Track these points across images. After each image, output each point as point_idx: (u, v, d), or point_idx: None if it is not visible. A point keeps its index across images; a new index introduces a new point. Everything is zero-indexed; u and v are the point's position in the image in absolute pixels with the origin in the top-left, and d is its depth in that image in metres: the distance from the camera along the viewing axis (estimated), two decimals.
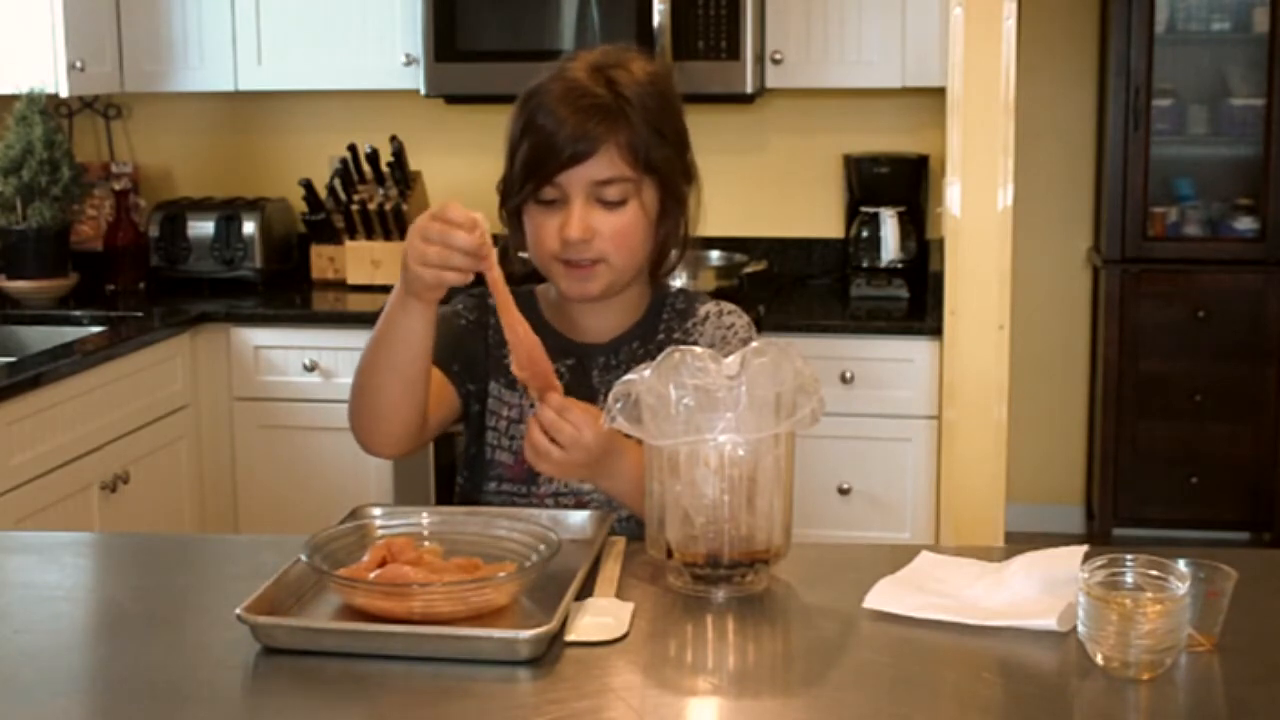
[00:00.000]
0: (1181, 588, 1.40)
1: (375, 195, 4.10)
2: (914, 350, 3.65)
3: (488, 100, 3.88)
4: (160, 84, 4.14)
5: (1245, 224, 4.75)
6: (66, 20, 3.85)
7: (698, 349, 1.62)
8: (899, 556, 1.71)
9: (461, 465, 2.03)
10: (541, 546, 1.61)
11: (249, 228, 4.14)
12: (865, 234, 4.03)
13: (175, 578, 1.77)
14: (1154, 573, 1.43)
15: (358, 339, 3.68)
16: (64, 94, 3.93)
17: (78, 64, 3.89)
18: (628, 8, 3.77)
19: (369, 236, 4.10)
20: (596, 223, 1.85)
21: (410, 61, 3.96)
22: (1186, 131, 4.81)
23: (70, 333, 3.69)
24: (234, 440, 3.86)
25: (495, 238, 1.87)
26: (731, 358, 1.61)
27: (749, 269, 3.98)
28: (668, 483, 1.62)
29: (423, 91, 3.95)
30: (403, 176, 4.10)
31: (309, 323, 3.85)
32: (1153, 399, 4.75)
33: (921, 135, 4.12)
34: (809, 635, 1.57)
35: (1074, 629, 1.46)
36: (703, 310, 2.00)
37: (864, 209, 4.06)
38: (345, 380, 3.96)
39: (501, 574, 1.55)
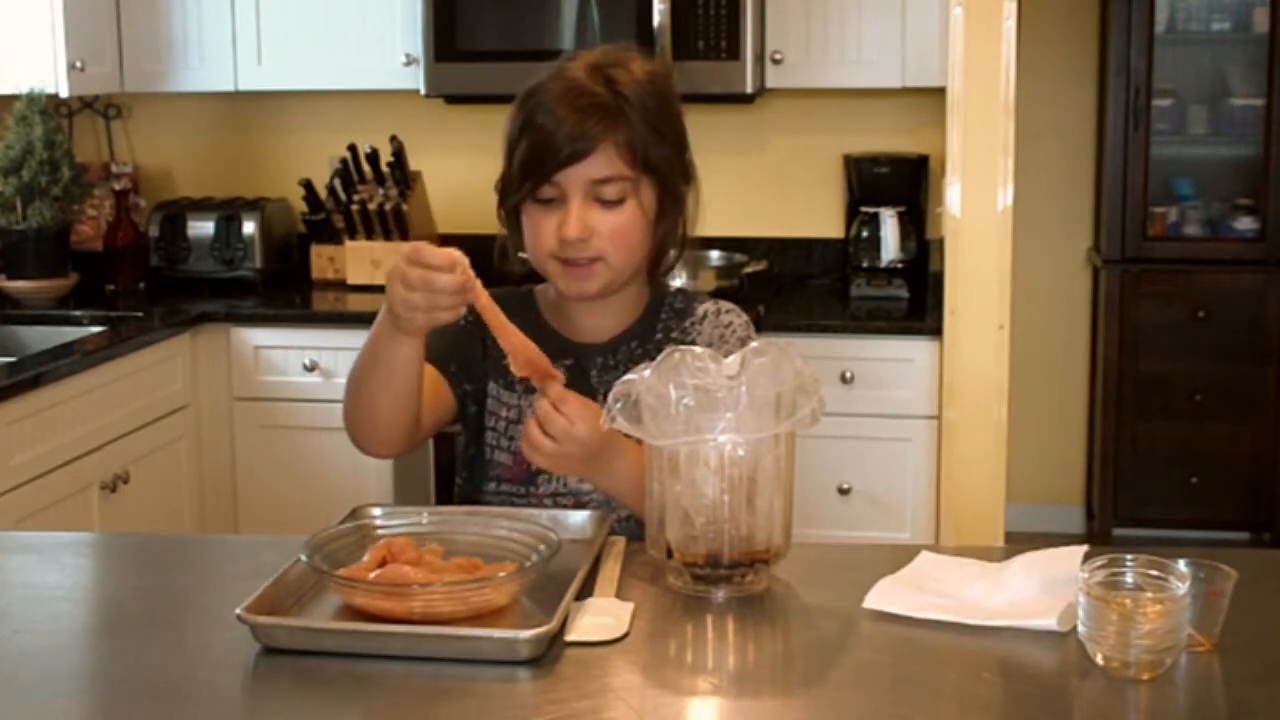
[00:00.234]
0: (1181, 588, 1.40)
1: (375, 195, 4.10)
2: (914, 350, 3.65)
3: (488, 100, 3.87)
4: (160, 84, 4.14)
5: (1245, 224, 4.75)
6: (66, 20, 3.85)
7: (698, 349, 1.62)
8: (899, 556, 1.71)
9: (460, 466, 2.03)
10: (541, 546, 1.61)
11: (249, 228, 4.14)
12: (865, 234, 4.03)
13: (175, 578, 1.77)
14: (1154, 573, 1.43)
15: (358, 339, 3.66)
16: (64, 94, 3.93)
17: (78, 64, 3.89)
18: (628, 8, 3.77)
19: (369, 236, 4.10)
20: (594, 222, 1.85)
21: (410, 61, 3.96)
22: (1186, 131, 4.81)
23: (70, 333, 3.69)
24: (234, 440, 3.86)
25: (492, 238, 1.87)
26: (731, 358, 1.61)
27: (749, 269, 3.98)
28: (668, 483, 1.62)
29: (423, 91, 3.95)
30: (403, 176, 4.10)
31: (309, 323, 3.85)
32: (1153, 399, 4.75)
33: (921, 135, 4.12)
34: (809, 635, 1.57)
35: (1074, 629, 1.46)
36: (701, 309, 2.00)
37: (864, 209, 4.06)
38: (344, 380, 3.97)
39: (501, 574, 1.55)
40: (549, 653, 1.46)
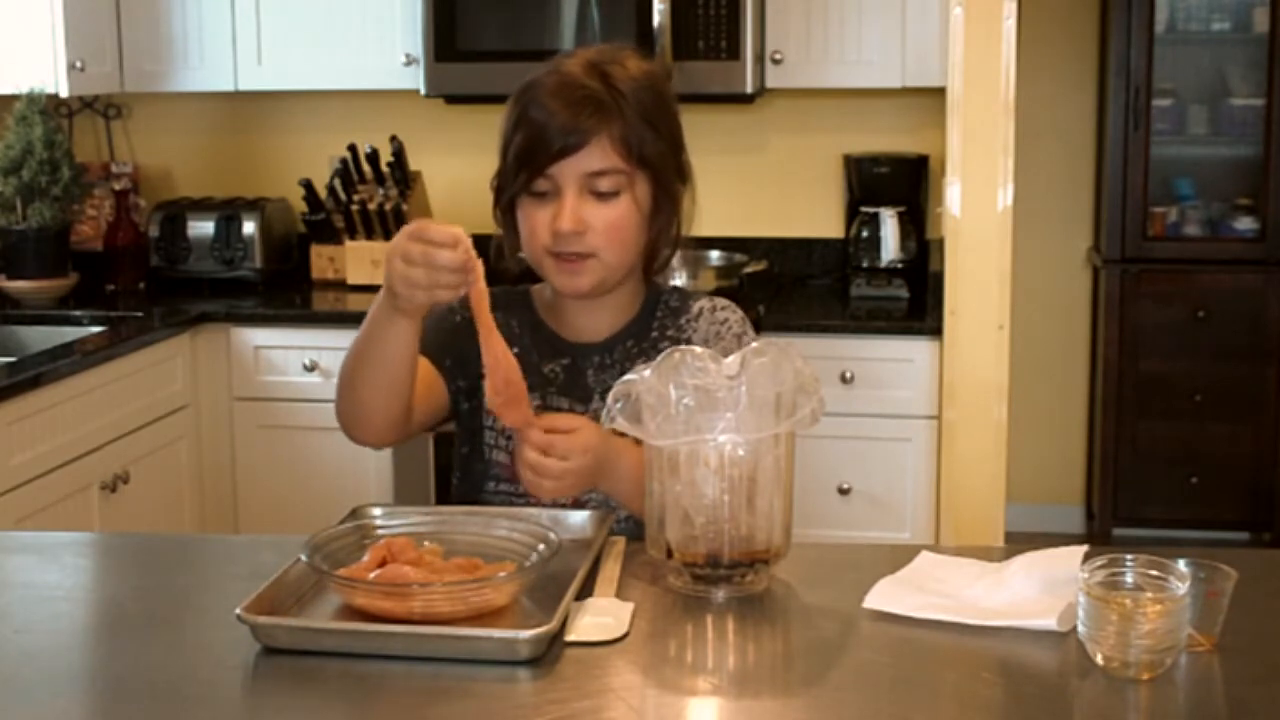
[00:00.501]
0: (1181, 588, 1.40)
1: (375, 195, 4.10)
2: (914, 350, 3.65)
3: (488, 100, 3.86)
4: (160, 84, 4.14)
5: (1245, 224, 4.75)
6: (66, 20, 3.85)
7: (698, 349, 1.62)
8: (899, 556, 1.71)
9: (455, 465, 2.02)
10: (541, 546, 1.61)
11: (249, 228, 4.14)
12: (865, 234, 4.03)
13: (175, 578, 1.77)
14: (1154, 573, 1.43)
15: None
16: (64, 94, 3.93)
17: (78, 64, 3.89)
18: (628, 8, 3.77)
19: (369, 236, 4.10)
20: (588, 215, 1.85)
21: (410, 61, 3.96)
22: (1186, 131, 4.81)
23: (70, 333, 3.69)
24: (234, 440, 3.86)
25: (489, 238, 1.87)
26: (731, 358, 1.61)
27: (749, 269, 3.98)
28: (668, 483, 1.62)
29: (423, 91, 3.95)
30: (403, 176, 4.10)
31: (309, 323, 3.85)
32: (1153, 399, 4.75)
33: (921, 135, 4.12)
34: (809, 635, 1.57)
35: (1074, 629, 1.46)
36: (696, 306, 2.00)
37: (864, 209, 4.06)
38: None
39: (501, 574, 1.55)
40: (549, 653, 1.46)
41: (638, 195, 1.88)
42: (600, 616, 1.54)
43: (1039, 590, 1.56)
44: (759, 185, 4.28)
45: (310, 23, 4.03)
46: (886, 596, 1.59)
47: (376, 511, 1.75)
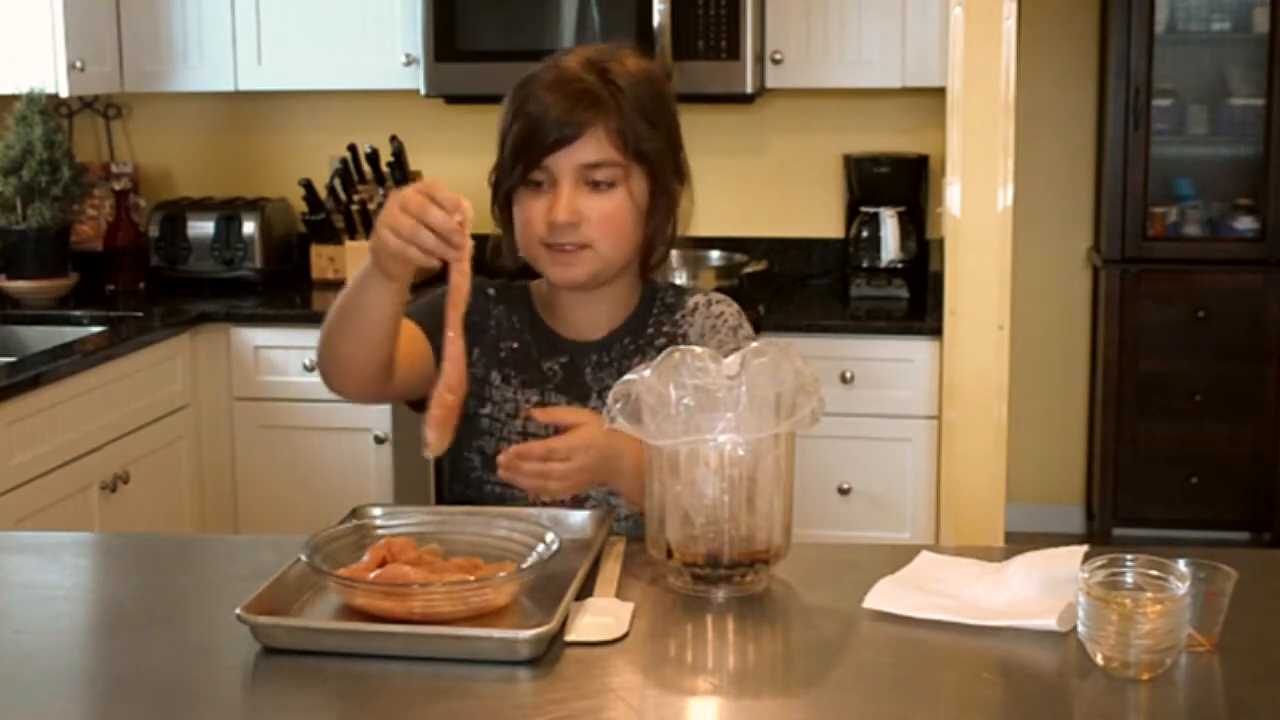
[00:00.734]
0: (1181, 588, 1.40)
1: (375, 195, 4.10)
2: (914, 350, 3.65)
3: (488, 100, 3.83)
4: (160, 84, 4.14)
5: (1245, 224, 4.75)
6: (66, 20, 3.85)
7: (697, 349, 1.62)
8: (899, 556, 1.71)
9: (446, 461, 2.02)
10: (541, 546, 1.61)
11: (249, 228, 4.14)
12: (865, 234, 4.03)
13: (175, 578, 1.77)
14: (1154, 573, 1.43)
15: None
16: (64, 94, 3.92)
17: (78, 64, 3.89)
18: (628, 8, 3.77)
19: (369, 236, 4.09)
20: (584, 207, 1.86)
21: (410, 61, 3.96)
22: (1186, 131, 4.81)
23: (70, 333, 3.69)
24: (234, 440, 3.86)
25: (488, 238, 1.86)
26: (731, 357, 1.61)
27: (749, 269, 3.98)
28: (668, 483, 1.62)
29: (423, 91, 3.95)
30: (403, 176, 4.10)
31: (309, 323, 3.85)
32: (1153, 399, 4.75)
33: (921, 135, 4.12)
34: (809, 635, 1.57)
35: (1074, 629, 1.46)
36: (691, 302, 2.00)
37: (864, 209, 4.06)
38: None
39: (501, 574, 1.55)
40: (549, 653, 1.46)
41: (634, 189, 1.88)
42: (600, 616, 1.54)
43: (1039, 590, 1.56)
44: (759, 185, 4.28)
45: (310, 23, 4.03)
46: (886, 596, 1.59)
47: (376, 511, 1.75)
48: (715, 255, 4.06)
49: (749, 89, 3.79)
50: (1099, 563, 1.44)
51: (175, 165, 4.49)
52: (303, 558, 1.56)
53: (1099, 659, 1.41)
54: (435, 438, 1.66)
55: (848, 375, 3.67)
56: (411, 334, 1.86)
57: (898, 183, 4.08)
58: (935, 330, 3.55)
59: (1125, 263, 4.71)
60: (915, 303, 3.91)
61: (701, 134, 4.10)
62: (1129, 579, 1.44)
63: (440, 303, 1.73)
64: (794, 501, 1.66)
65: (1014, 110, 3.26)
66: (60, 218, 3.99)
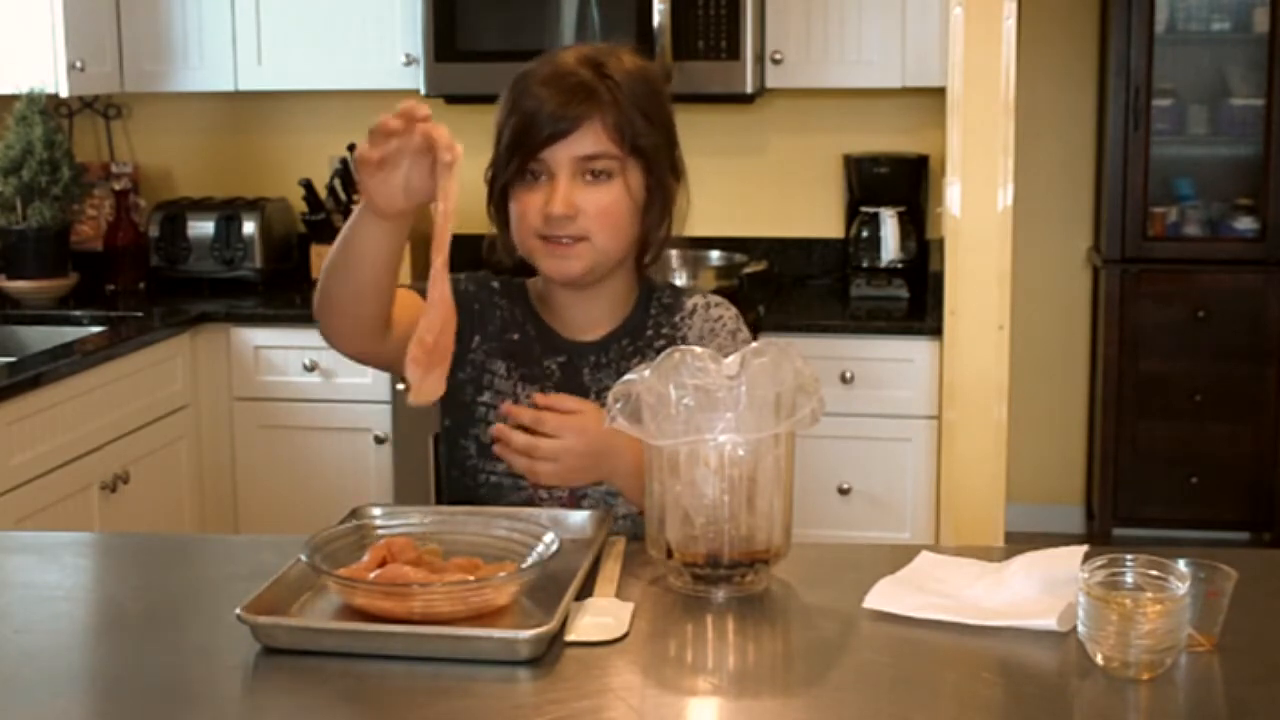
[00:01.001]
0: (1181, 588, 1.40)
1: None
2: (914, 350, 3.65)
3: (488, 100, 3.84)
4: (160, 84, 4.14)
5: (1245, 224, 4.75)
6: (66, 20, 3.85)
7: (697, 349, 1.62)
8: (899, 556, 1.71)
9: (441, 440, 2.01)
10: (541, 546, 1.61)
11: (249, 228, 4.14)
12: (865, 234, 4.03)
13: (175, 578, 1.77)
14: (1154, 573, 1.43)
15: None
16: (64, 94, 3.93)
17: (78, 64, 3.89)
18: (628, 8, 3.77)
19: None
20: (580, 199, 1.85)
21: (410, 61, 3.96)
22: (1186, 131, 4.81)
23: (70, 333, 3.69)
24: (234, 440, 3.86)
25: (480, 237, 1.85)
26: (731, 358, 1.61)
27: (749, 269, 3.98)
28: (668, 483, 1.62)
29: (423, 91, 3.95)
30: None
31: (309, 323, 3.81)
32: (1153, 399, 4.75)
33: (921, 135, 4.12)
34: (809, 635, 1.57)
35: (1074, 629, 1.46)
36: (690, 303, 2.00)
37: (864, 209, 4.06)
38: (345, 380, 3.99)
39: (501, 574, 1.55)
40: (549, 653, 1.46)
41: (630, 183, 1.88)
42: (600, 616, 1.54)
43: (1039, 590, 1.56)
44: (759, 185, 4.28)
45: (310, 23, 4.03)
46: (886, 596, 1.59)
47: (376, 511, 1.75)
48: (715, 255, 4.05)
49: (749, 89, 3.79)
50: (1099, 563, 1.44)
51: (175, 165, 4.49)
52: (303, 558, 1.56)
53: (1099, 659, 1.41)
54: (414, 378, 1.62)
55: (848, 375, 3.67)
56: (412, 301, 1.85)
57: (898, 183, 4.08)
58: (935, 330, 3.55)
59: (1125, 263, 4.71)
60: (915, 303, 3.91)
61: (701, 134, 4.10)
62: (1129, 579, 1.44)
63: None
64: (794, 501, 1.66)
65: (1014, 110, 3.26)
66: (60, 218, 3.99)
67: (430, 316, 1.63)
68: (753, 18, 3.77)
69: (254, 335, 3.84)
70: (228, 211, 4.18)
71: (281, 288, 4.17)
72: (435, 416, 2.01)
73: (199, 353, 3.83)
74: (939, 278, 3.56)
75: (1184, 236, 4.81)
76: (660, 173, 1.91)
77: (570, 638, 1.49)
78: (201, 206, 4.24)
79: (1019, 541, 2.24)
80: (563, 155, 1.85)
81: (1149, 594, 1.41)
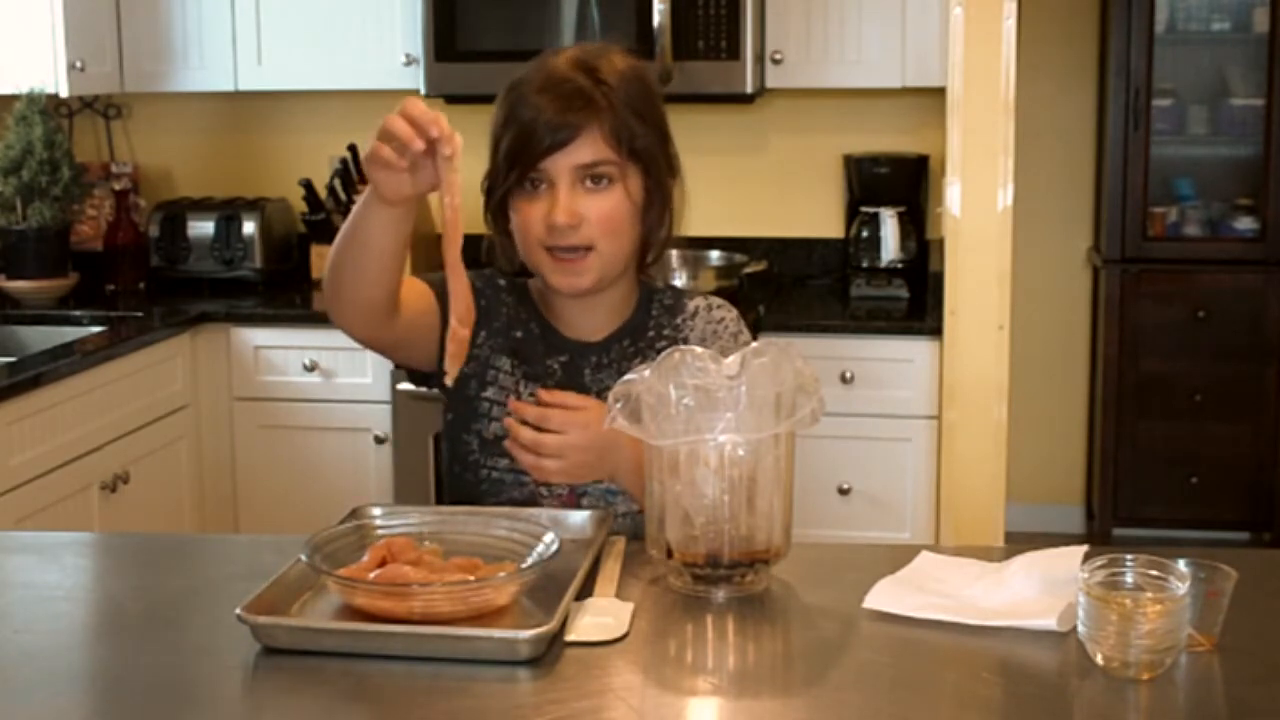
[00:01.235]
0: (1181, 588, 1.40)
1: None
2: (914, 350, 3.65)
3: (488, 100, 3.85)
4: (160, 84, 4.14)
5: (1245, 224, 4.75)
6: (66, 20, 3.85)
7: (697, 349, 1.62)
8: (899, 556, 1.71)
9: (443, 434, 2.01)
10: (541, 546, 1.61)
11: (249, 228, 4.14)
12: (865, 234, 4.03)
13: (175, 578, 1.77)
14: (1154, 573, 1.43)
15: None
16: (64, 94, 3.92)
17: (78, 64, 3.89)
18: (628, 8, 3.77)
19: None
20: (583, 208, 1.85)
21: (410, 61, 3.96)
22: (1186, 131, 4.81)
23: (70, 333, 3.69)
24: (234, 440, 3.86)
25: (479, 238, 1.85)
26: (731, 358, 1.61)
27: (749, 269, 3.98)
28: (668, 483, 1.62)
29: (423, 91, 3.95)
30: None
31: (309, 323, 3.85)
32: (1153, 399, 4.75)
33: (921, 135, 4.12)
34: (809, 635, 1.57)
35: (1074, 629, 1.46)
36: (691, 305, 2.00)
37: (864, 209, 4.06)
38: (345, 380, 3.98)
39: (501, 574, 1.55)
40: (549, 653, 1.46)
41: (630, 186, 1.88)
42: (600, 616, 1.54)
43: (1039, 590, 1.56)
44: (759, 185, 4.28)
45: (310, 23, 4.03)
46: (886, 596, 1.59)
47: (376, 511, 1.75)
48: (715, 255, 4.05)
49: (749, 89, 3.79)
50: (1099, 563, 1.44)
51: (175, 165, 4.49)
52: (303, 558, 1.56)
53: (1099, 659, 1.41)
54: (454, 370, 1.69)
55: (848, 375, 3.67)
56: (420, 290, 1.87)
57: (898, 183, 4.08)
58: (935, 330, 3.55)
59: (1125, 263, 4.71)
60: (915, 303, 3.91)
61: (701, 134, 4.10)
62: (1129, 579, 1.44)
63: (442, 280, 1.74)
64: (794, 501, 1.66)
65: (1014, 110, 3.26)
66: (60, 218, 3.99)
67: (456, 309, 1.66)
68: (753, 18, 3.77)
69: (254, 335, 3.84)
70: (228, 211, 4.18)
71: (281, 288, 4.17)
72: (436, 416, 2.01)
73: (199, 353, 3.83)
74: (939, 278, 3.56)
75: (1184, 236, 4.81)
76: (658, 173, 1.92)
77: (570, 638, 1.49)
78: (201, 206, 4.24)
79: (1019, 541, 2.24)
80: (563, 164, 1.85)
81: (1149, 594, 1.41)
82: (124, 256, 4.17)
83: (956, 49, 3.26)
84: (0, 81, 3.94)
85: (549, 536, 1.62)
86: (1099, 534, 4.79)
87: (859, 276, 4.02)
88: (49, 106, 3.99)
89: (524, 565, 1.58)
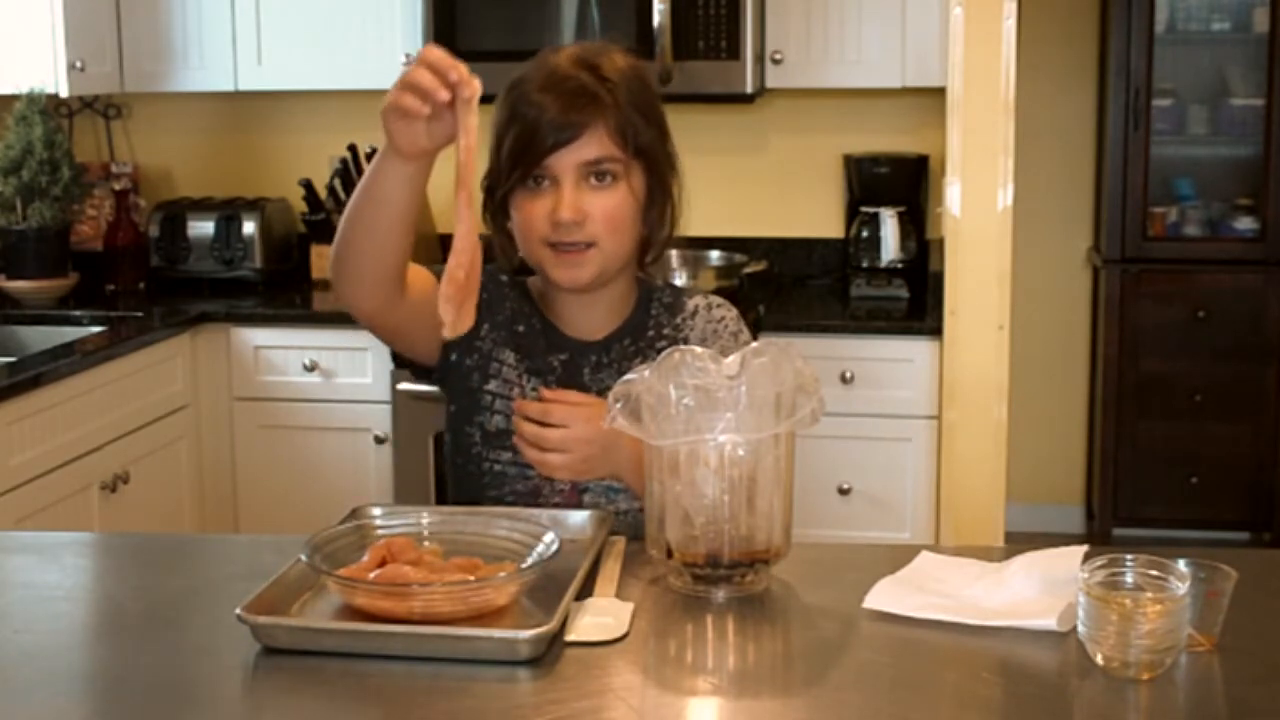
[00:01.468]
0: (1181, 588, 1.40)
1: None
2: (914, 350, 3.65)
3: (488, 100, 3.86)
4: (160, 84, 4.14)
5: (1245, 224, 4.75)
6: (66, 20, 3.85)
7: (698, 349, 1.62)
8: (899, 556, 1.71)
9: (445, 427, 2.01)
10: (541, 546, 1.61)
11: (249, 228, 4.14)
12: (865, 234, 4.03)
13: (175, 578, 1.77)
14: (1154, 573, 1.43)
15: (358, 339, 3.70)
16: (64, 94, 3.92)
17: (78, 64, 3.89)
18: (628, 8, 3.77)
19: None
20: (587, 204, 1.86)
21: (410, 61, 3.95)
22: (1186, 131, 4.81)
23: (70, 333, 3.69)
24: (234, 440, 3.86)
25: (480, 236, 1.85)
26: (731, 358, 1.61)
27: (749, 269, 3.98)
28: (668, 483, 1.62)
29: None
30: None
31: (309, 323, 3.85)
32: (1153, 399, 4.75)
33: (921, 135, 4.12)
34: (809, 635, 1.57)
35: (1074, 629, 1.46)
36: (691, 304, 2.00)
37: (864, 209, 4.06)
38: (345, 380, 3.98)
39: (501, 574, 1.55)
40: (549, 653, 1.46)
41: (633, 184, 1.89)
42: (600, 616, 1.54)
43: (1039, 590, 1.56)
44: (759, 185, 4.28)
45: (310, 23, 4.03)
46: (886, 596, 1.59)
47: (376, 511, 1.75)
48: (715, 255, 4.05)
49: (749, 89, 3.79)
50: (1099, 563, 1.44)
51: (175, 165, 4.49)
52: (303, 558, 1.56)
53: (1099, 659, 1.41)
54: (449, 315, 1.65)
55: (848, 375, 3.67)
56: (425, 277, 1.87)
57: (898, 183, 4.08)
58: (935, 330, 3.55)
59: (1125, 263, 4.71)
60: (915, 303, 3.91)
61: (701, 134, 4.10)
62: (1129, 579, 1.44)
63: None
64: (794, 501, 1.66)
65: (1014, 110, 3.26)
66: (60, 218, 3.99)
67: (458, 251, 1.64)
68: (753, 18, 3.76)
69: (254, 335, 3.84)
70: (228, 211, 4.18)
71: (281, 288, 4.17)
72: (436, 415, 2.01)
73: (199, 353, 3.83)
74: (939, 278, 3.56)
75: (1184, 236, 4.81)
76: (660, 171, 1.92)
77: (570, 638, 1.49)
78: (201, 206, 4.24)
79: (1019, 541, 2.24)
80: (567, 162, 1.85)
81: (1149, 594, 1.41)
82: (124, 256, 4.17)
83: (956, 49, 3.26)
84: (0, 81, 3.94)
85: (549, 536, 1.62)
86: (1099, 534, 4.79)
87: (859, 276, 4.02)
88: (49, 106, 3.99)
89: (524, 565, 1.58)
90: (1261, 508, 4.74)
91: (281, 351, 3.83)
